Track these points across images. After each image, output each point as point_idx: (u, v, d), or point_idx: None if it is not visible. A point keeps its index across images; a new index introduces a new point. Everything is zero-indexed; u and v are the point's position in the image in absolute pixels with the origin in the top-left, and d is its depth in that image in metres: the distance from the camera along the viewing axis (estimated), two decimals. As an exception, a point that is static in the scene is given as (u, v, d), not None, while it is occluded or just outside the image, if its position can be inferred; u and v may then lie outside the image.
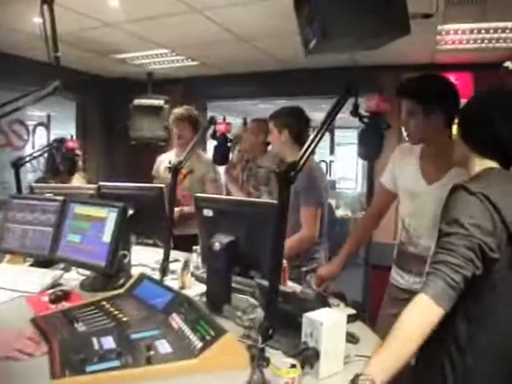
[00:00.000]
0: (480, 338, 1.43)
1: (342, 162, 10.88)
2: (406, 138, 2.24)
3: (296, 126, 2.89)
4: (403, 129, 2.21)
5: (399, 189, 2.32)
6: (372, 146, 1.84)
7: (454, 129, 1.83)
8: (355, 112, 1.73)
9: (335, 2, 1.52)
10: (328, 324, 1.40)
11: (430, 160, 2.15)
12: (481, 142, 1.53)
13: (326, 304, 1.69)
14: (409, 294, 2.11)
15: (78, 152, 3.73)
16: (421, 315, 1.31)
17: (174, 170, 2.28)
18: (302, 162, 1.50)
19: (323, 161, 9.41)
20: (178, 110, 3.74)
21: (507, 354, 1.46)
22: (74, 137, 3.79)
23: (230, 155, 3.18)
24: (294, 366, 1.22)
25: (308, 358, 1.37)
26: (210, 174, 3.61)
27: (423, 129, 2.06)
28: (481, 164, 1.52)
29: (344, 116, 1.67)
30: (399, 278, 2.29)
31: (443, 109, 2.01)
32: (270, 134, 3.03)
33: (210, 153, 3.83)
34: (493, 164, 1.51)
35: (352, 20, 1.52)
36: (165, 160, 3.71)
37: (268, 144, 3.71)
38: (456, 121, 1.74)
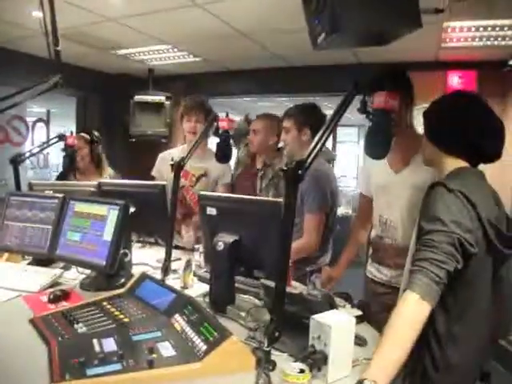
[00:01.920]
0: (457, 330, 1.50)
1: (342, 159, 10.85)
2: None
3: (317, 124, 2.77)
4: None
5: (372, 187, 2.38)
6: (380, 144, 1.80)
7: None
8: (364, 109, 1.69)
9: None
10: (337, 327, 1.36)
11: (396, 152, 2.17)
12: (451, 142, 1.62)
13: (333, 305, 1.65)
14: (387, 288, 2.23)
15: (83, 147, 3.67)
16: (411, 313, 1.34)
17: (177, 167, 2.23)
18: (310, 159, 1.46)
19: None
20: (188, 100, 3.39)
21: (481, 345, 1.57)
22: (74, 133, 3.68)
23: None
24: (302, 370, 1.18)
25: (316, 361, 1.34)
26: (226, 179, 3.33)
27: (398, 124, 2.07)
28: (452, 164, 1.62)
29: (344, 113, 1.64)
30: (376, 272, 2.32)
31: (410, 102, 2.15)
32: (285, 134, 2.85)
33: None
34: (462, 163, 1.62)
35: (362, 14, 1.48)
36: (170, 158, 3.29)
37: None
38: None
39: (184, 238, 2.81)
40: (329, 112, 1.62)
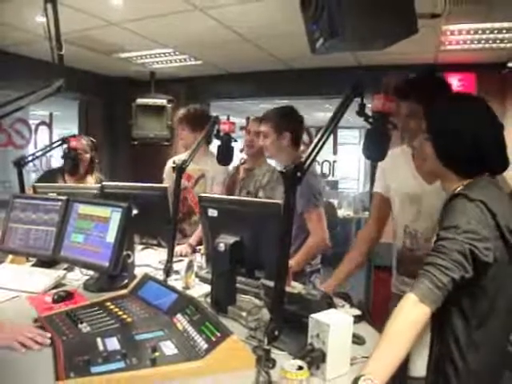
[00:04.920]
0: (477, 337, 1.48)
1: (343, 161, 10.87)
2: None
3: (297, 128, 2.81)
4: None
5: (395, 195, 2.27)
6: (378, 147, 1.82)
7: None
8: (362, 112, 1.72)
9: (342, 1, 1.50)
10: (335, 326, 1.39)
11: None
12: (466, 160, 1.53)
13: (331, 305, 1.67)
14: None
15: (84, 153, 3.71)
16: (408, 314, 1.35)
17: (179, 169, 2.27)
18: (308, 162, 1.50)
19: (326, 161, 9.38)
20: (179, 112, 3.61)
21: (501, 351, 1.53)
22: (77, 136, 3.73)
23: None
24: (301, 367, 1.20)
25: (314, 359, 1.37)
26: (219, 178, 3.39)
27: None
28: (460, 180, 1.54)
29: (345, 116, 1.66)
30: (405, 287, 2.20)
31: None
32: (263, 138, 2.83)
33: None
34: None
35: (359, 19, 1.51)
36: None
37: None
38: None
39: (177, 252, 2.83)
40: (329, 114, 1.63)
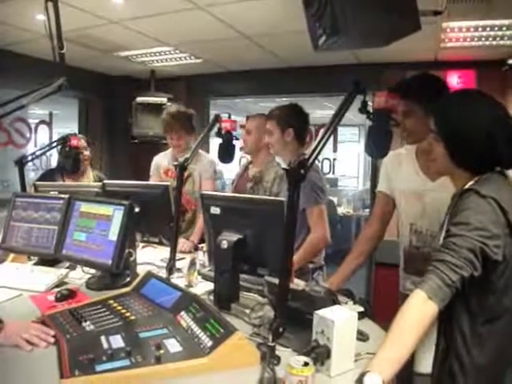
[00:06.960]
0: (483, 331, 1.47)
1: (343, 159, 10.86)
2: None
3: (300, 124, 2.83)
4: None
5: (401, 193, 2.27)
6: (380, 144, 1.83)
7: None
8: (364, 109, 1.72)
9: (345, -2, 1.51)
10: (339, 322, 1.39)
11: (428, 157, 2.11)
12: (480, 157, 1.50)
13: (335, 301, 1.67)
14: None
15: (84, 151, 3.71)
16: (416, 310, 1.34)
17: (181, 168, 2.27)
18: (311, 159, 1.50)
19: (327, 158, 9.37)
20: (166, 116, 3.52)
21: (508, 349, 1.51)
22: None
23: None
24: (306, 364, 1.21)
25: (319, 355, 1.37)
26: (208, 173, 3.44)
27: (424, 127, 1.92)
28: (471, 177, 1.52)
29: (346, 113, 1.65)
30: (413, 286, 2.18)
31: None
32: (269, 136, 2.86)
33: (212, 151, 3.77)
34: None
35: (362, 17, 1.51)
36: (162, 161, 3.66)
37: None
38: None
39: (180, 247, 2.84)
40: (328, 111, 1.64)
